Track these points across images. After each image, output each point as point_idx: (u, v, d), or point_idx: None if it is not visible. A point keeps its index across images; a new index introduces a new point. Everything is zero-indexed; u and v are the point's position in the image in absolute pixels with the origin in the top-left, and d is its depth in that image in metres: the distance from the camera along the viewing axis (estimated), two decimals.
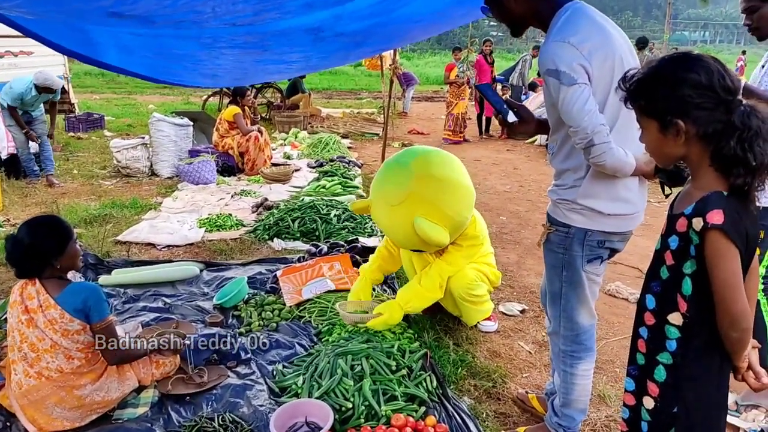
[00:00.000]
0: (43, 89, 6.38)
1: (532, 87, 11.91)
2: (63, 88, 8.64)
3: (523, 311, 3.74)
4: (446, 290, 3.21)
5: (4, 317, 3.19)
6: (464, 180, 3.04)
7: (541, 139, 10.38)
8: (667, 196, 1.91)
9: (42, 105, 6.81)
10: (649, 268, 1.53)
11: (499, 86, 11.45)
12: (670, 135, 1.37)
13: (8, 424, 2.44)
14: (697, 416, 1.44)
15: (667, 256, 1.43)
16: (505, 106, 2.19)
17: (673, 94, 1.34)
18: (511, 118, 2.20)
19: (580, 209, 2.05)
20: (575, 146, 1.93)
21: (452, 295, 3.22)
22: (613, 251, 2.15)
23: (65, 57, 9.67)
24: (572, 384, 2.29)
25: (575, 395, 2.31)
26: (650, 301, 1.49)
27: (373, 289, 3.70)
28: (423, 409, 2.52)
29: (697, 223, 1.33)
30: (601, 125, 1.85)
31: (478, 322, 3.40)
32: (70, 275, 2.56)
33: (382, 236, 5.02)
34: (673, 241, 1.41)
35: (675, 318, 1.42)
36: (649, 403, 1.49)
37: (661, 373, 1.46)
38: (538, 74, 10.70)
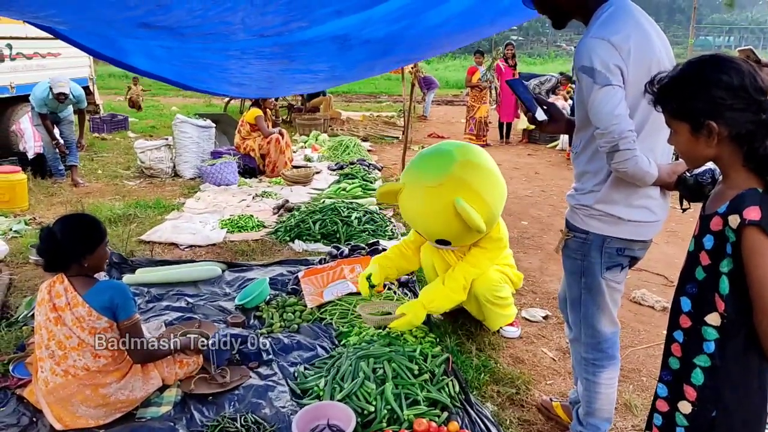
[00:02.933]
0: (56, 95, 6.46)
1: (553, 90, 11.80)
2: (88, 88, 8.78)
3: (546, 317, 3.69)
4: (470, 293, 3.16)
5: (31, 314, 3.24)
6: (500, 174, 3.05)
7: (562, 143, 10.29)
8: (684, 210, 1.87)
9: (71, 106, 6.91)
10: (682, 270, 1.50)
11: None
12: (702, 137, 1.37)
13: (34, 419, 2.47)
14: (737, 419, 1.40)
15: (703, 257, 1.40)
16: (535, 104, 2.16)
17: (705, 96, 1.33)
18: (541, 116, 2.17)
19: (599, 215, 2.01)
20: (599, 149, 1.90)
21: (476, 297, 3.18)
22: (634, 259, 2.11)
23: (91, 59, 9.81)
24: (595, 393, 2.24)
25: (599, 404, 2.26)
26: (686, 304, 1.46)
27: (394, 293, 3.69)
28: (445, 414, 2.50)
29: (734, 220, 1.31)
30: (629, 131, 1.81)
31: (501, 328, 3.37)
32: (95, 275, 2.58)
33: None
34: (708, 241, 1.38)
35: (713, 318, 1.39)
36: (686, 407, 1.46)
37: (698, 377, 1.42)
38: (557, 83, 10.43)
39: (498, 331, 3.37)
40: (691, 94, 1.35)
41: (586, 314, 2.16)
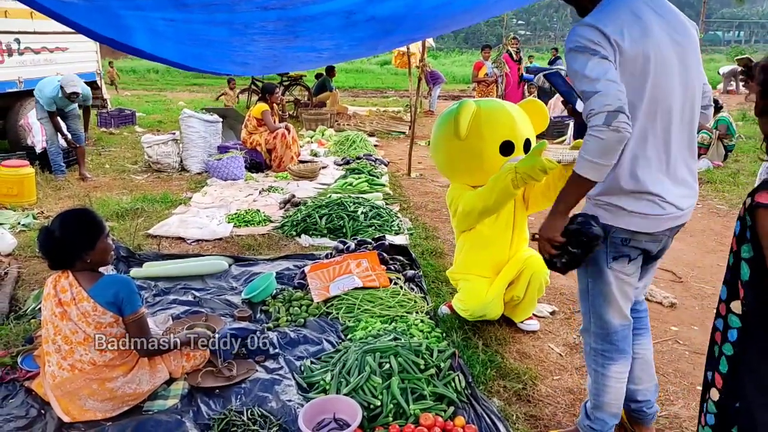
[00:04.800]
0: (68, 95, 6.47)
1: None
2: (95, 83, 8.82)
3: (553, 313, 3.68)
4: (525, 273, 3.20)
5: (39, 307, 3.25)
6: None
7: (569, 138, 10.23)
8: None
9: (76, 103, 6.93)
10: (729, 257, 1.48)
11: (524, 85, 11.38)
12: None
13: (42, 411, 2.49)
14: (760, 418, 1.36)
15: (733, 242, 1.38)
16: (574, 95, 2.16)
17: None
18: (580, 107, 2.17)
19: (603, 205, 2.01)
20: (588, 115, 1.79)
21: (531, 276, 3.19)
22: (645, 252, 2.09)
23: (98, 53, 9.83)
24: (604, 386, 2.22)
25: (607, 398, 2.24)
26: (723, 291, 1.45)
27: (401, 288, 3.68)
28: (452, 409, 2.49)
29: (748, 202, 1.29)
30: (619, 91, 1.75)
31: (523, 321, 3.39)
32: (102, 268, 2.57)
33: (410, 234, 5.00)
34: (737, 226, 1.37)
35: (736, 306, 1.37)
36: (715, 395, 1.45)
37: (724, 365, 1.41)
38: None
39: (519, 323, 3.39)
40: None
41: (593, 303, 2.16)
